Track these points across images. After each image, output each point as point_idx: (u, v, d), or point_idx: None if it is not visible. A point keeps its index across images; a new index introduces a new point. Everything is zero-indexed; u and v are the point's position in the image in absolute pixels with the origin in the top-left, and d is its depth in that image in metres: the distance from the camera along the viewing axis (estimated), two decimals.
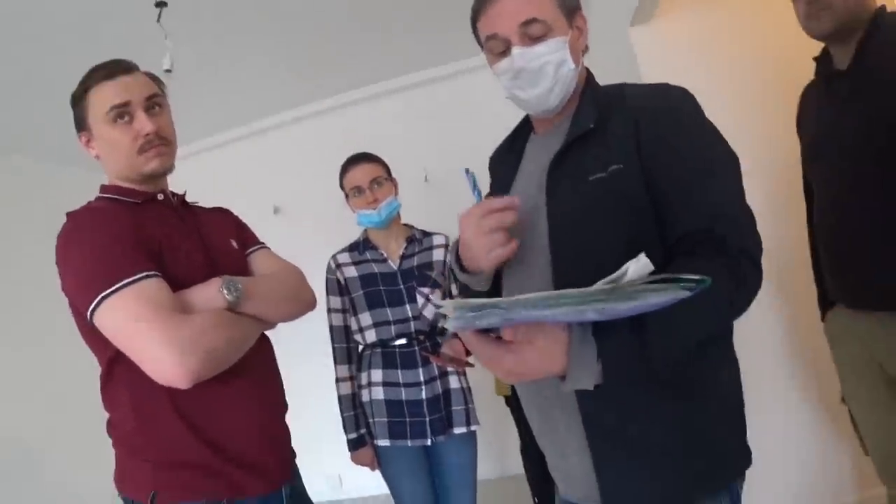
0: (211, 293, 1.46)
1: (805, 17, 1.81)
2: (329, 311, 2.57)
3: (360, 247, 2.63)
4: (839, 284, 1.96)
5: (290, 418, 1.72)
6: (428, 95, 5.15)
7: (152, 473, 1.42)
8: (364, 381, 2.51)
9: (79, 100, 1.57)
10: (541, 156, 1.35)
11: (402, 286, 2.53)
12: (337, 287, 2.58)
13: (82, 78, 1.56)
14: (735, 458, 1.25)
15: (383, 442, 2.44)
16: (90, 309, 1.33)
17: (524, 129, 1.50)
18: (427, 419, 2.43)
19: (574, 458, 1.25)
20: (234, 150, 5.51)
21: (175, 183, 1.71)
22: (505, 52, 1.27)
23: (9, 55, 3.46)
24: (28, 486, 4.14)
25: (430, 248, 2.66)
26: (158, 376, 1.32)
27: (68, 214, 1.47)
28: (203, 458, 1.43)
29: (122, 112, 1.52)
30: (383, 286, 2.53)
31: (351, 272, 2.57)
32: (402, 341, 2.50)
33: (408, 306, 2.50)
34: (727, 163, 1.20)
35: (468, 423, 2.51)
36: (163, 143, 1.58)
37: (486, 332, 1.07)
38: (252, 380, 1.55)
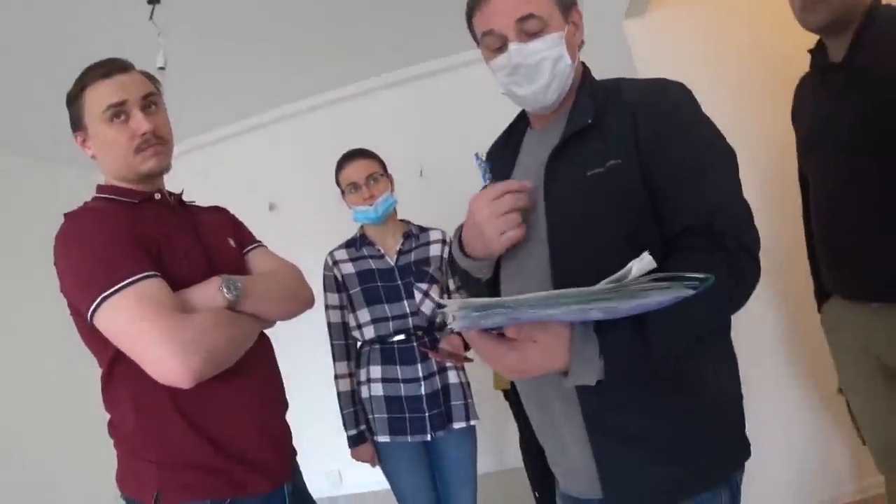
0: (211, 292, 1.46)
1: (800, 9, 1.81)
2: (327, 307, 2.58)
3: (357, 243, 2.63)
4: (835, 276, 1.96)
5: (289, 415, 1.72)
6: (422, 90, 5.13)
7: (156, 474, 1.42)
8: (363, 377, 2.51)
9: (74, 99, 1.56)
10: (538, 151, 1.35)
11: (399, 282, 2.53)
12: (334, 284, 2.58)
13: (78, 77, 1.55)
14: (734, 450, 1.25)
15: (383, 438, 2.44)
16: (91, 309, 1.33)
17: (520, 124, 1.50)
18: (426, 415, 2.44)
19: (575, 452, 1.25)
20: (229, 147, 5.49)
21: (169, 181, 1.71)
22: (501, 48, 1.27)
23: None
24: (27, 487, 4.14)
25: (427, 243, 2.66)
26: (160, 376, 1.32)
27: (66, 215, 1.47)
28: (206, 458, 1.43)
29: (118, 111, 1.51)
30: (381, 282, 2.53)
31: (348, 269, 2.57)
32: (401, 337, 2.50)
33: (406, 302, 2.51)
34: (724, 157, 1.20)
35: (467, 418, 2.52)
36: (159, 142, 1.58)
37: (488, 329, 1.07)
38: (252, 378, 1.55)
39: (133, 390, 1.44)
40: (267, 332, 1.71)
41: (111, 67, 1.53)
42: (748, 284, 1.12)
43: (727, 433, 1.25)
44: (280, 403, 1.69)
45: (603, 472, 1.20)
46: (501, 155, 1.48)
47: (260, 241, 1.84)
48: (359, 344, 2.61)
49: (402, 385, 2.46)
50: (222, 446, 1.45)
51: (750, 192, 1.20)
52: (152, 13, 3.19)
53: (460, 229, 1.37)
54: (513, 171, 1.42)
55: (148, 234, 1.46)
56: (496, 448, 4.57)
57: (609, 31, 3.30)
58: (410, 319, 2.50)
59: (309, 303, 1.79)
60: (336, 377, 2.54)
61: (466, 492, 2.55)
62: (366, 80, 5.13)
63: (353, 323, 2.56)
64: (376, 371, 2.49)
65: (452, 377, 2.55)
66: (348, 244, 2.66)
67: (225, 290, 1.46)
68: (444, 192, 4.55)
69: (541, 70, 1.25)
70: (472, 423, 2.54)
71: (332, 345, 2.58)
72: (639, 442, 1.18)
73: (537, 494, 3.06)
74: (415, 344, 2.50)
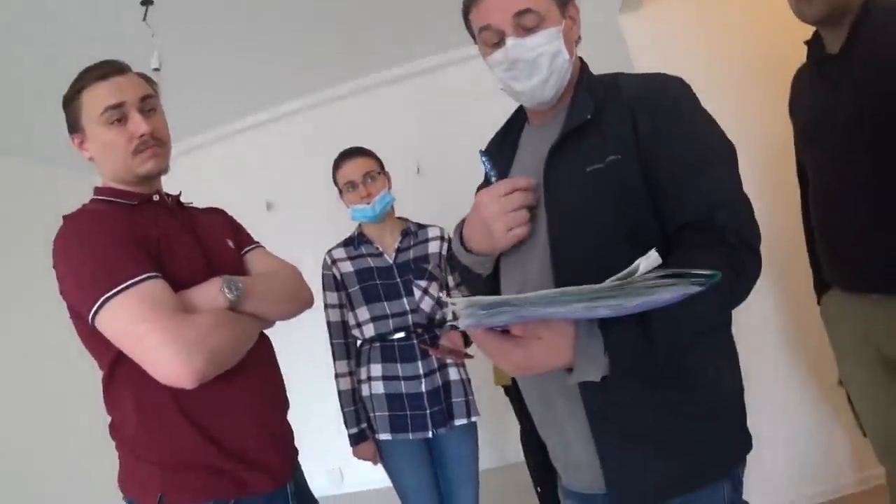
0: (212, 293, 1.46)
1: (797, 1, 1.80)
2: (326, 307, 2.58)
3: (355, 241, 2.63)
4: (835, 268, 1.96)
5: (289, 415, 1.72)
6: (419, 87, 5.13)
7: (159, 475, 1.42)
8: (363, 375, 2.51)
9: (71, 101, 1.55)
10: (537, 147, 1.35)
11: (398, 280, 2.53)
12: (333, 283, 2.58)
13: (74, 79, 1.55)
14: (736, 443, 1.26)
15: (385, 436, 2.44)
16: (92, 311, 1.33)
17: (518, 120, 1.49)
18: (428, 412, 2.44)
19: (577, 447, 1.26)
20: (225, 146, 5.48)
21: (166, 182, 1.71)
22: (498, 43, 1.27)
23: None
24: (29, 491, 4.14)
25: (426, 240, 2.65)
26: (163, 377, 1.32)
27: (65, 217, 1.46)
28: (209, 458, 1.43)
29: (116, 113, 1.50)
30: (380, 280, 2.53)
31: (347, 267, 2.57)
32: (401, 335, 2.50)
33: (405, 300, 2.51)
34: (724, 152, 1.20)
35: (469, 415, 2.52)
36: (158, 143, 1.57)
37: (492, 326, 1.08)
38: (254, 378, 1.55)
39: (135, 392, 1.43)
40: (266, 332, 1.71)
41: (108, 69, 1.53)
42: (749, 278, 1.13)
43: (729, 427, 1.25)
44: (281, 403, 1.69)
45: (606, 467, 1.20)
46: (500, 150, 1.47)
47: (258, 242, 1.84)
48: (359, 342, 2.61)
49: (402, 383, 2.46)
50: (225, 446, 1.45)
51: (748, 185, 1.20)
52: (146, 14, 3.18)
53: (461, 225, 1.37)
54: (511, 167, 1.42)
55: (147, 236, 1.46)
56: (497, 444, 4.58)
57: (604, 27, 3.30)
58: (410, 317, 2.50)
59: (308, 303, 1.79)
60: (336, 376, 2.54)
61: (468, 488, 2.55)
62: (362, 78, 5.13)
63: (352, 321, 2.56)
64: (377, 369, 2.48)
65: (453, 374, 2.55)
66: (346, 243, 2.66)
67: (226, 291, 1.46)
68: (442, 189, 4.56)
69: (538, 65, 1.25)
70: (474, 419, 2.54)
71: (331, 344, 2.58)
72: (641, 437, 1.18)
73: (539, 490, 3.07)
74: (415, 341, 2.49)
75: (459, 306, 0.92)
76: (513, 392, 3.41)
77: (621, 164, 1.18)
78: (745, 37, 3.03)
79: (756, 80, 2.96)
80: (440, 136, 4.92)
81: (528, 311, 0.93)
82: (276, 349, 1.75)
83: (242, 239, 1.81)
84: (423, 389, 2.46)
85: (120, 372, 1.44)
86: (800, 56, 2.00)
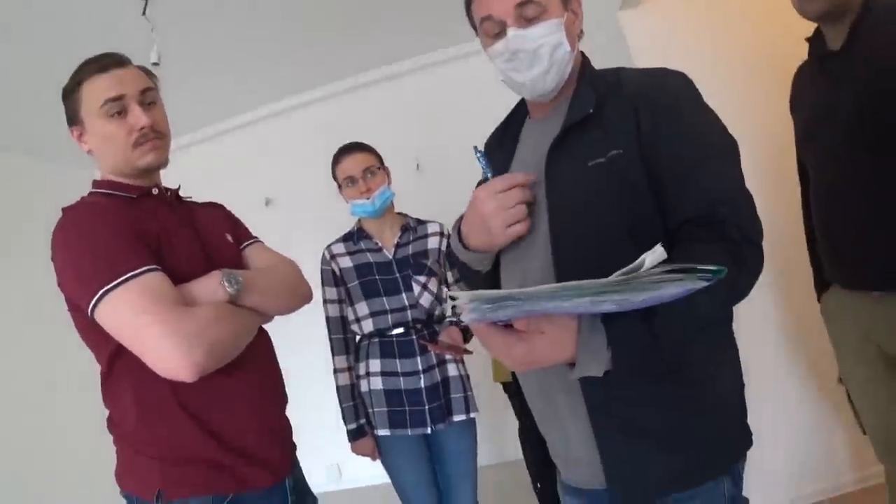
0: (212, 286, 1.45)
1: None
2: (325, 302, 2.57)
3: (355, 237, 2.62)
4: (835, 266, 1.96)
5: (288, 410, 1.72)
6: (418, 83, 5.13)
7: (158, 470, 1.41)
8: (362, 371, 2.51)
9: (71, 93, 1.54)
10: (537, 141, 1.34)
11: (397, 275, 2.52)
12: (332, 278, 2.57)
13: (74, 71, 1.54)
14: (737, 439, 1.26)
15: (383, 431, 2.44)
16: (92, 303, 1.31)
17: (519, 114, 1.49)
18: (426, 407, 2.44)
19: (578, 442, 1.25)
20: (224, 142, 5.48)
21: (164, 177, 1.70)
22: (500, 34, 1.26)
23: None
24: (27, 486, 4.14)
25: (425, 236, 2.65)
26: (164, 370, 1.31)
27: (64, 209, 1.45)
28: (209, 453, 1.42)
29: (116, 105, 1.49)
30: (379, 275, 2.53)
31: (346, 262, 2.56)
32: (400, 330, 2.49)
33: (404, 295, 2.50)
34: (726, 147, 1.20)
35: (467, 411, 2.52)
36: (158, 136, 1.56)
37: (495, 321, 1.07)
38: (253, 372, 1.54)
39: (134, 386, 1.43)
40: (264, 327, 1.70)
41: (108, 62, 1.52)
42: (751, 273, 1.12)
43: (730, 422, 1.25)
44: (280, 397, 1.68)
45: (607, 462, 1.20)
46: (500, 145, 1.47)
47: (256, 237, 1.83)
48: (357, 338, 2.61)
49: (401, 378, 2.46)
50: (225, 441, 1.44)
51: (748, 183, 1.20)
52: (145, 8, 3.17)
53: (459, 221, 1.37)
54: (512, 161, 1.41)
55: (147, 229, 1.45)
56: (495, 441, 4.58)
57: (604, 23, 3.29)
58: (409, 312, 2.50)
59: (307, 298, 1.78)
60: (335, 371, 2.54)
61: (467, 484, 2.55)
62: (361, 75, 5.12)
63: (351, 317, 2.56)
64: (375, 365, 2.48)
65: (452, 370, 2.54)
66: (345, 238, 2.65)
67: (226, 284, 1.45)
68: (441, 185, 4.55)
69: (539, 56, 1.25)
70: (472, 415, 2.54)
71: (330, 339, 2.57)
72: (642, 432, 1.18)
73: (539, 485, 3.07)
74: (414, 337, 2.49)
75: (462, 300, 0.91)
76: (512, 388, 3.41)
77: (623, 159, 1.18)
78: (746, 34, 3.03)
79: (756, 77, 2.96)
80: (439, 132, 4.91)
81: (533, 306, 0.92)
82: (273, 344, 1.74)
83: (241, 234, 1.80)
84: (422, 385, 2.45)
85: (119, 366, 1.43)
86: (801, 53, 2.00)
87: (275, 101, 5.25)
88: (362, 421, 2.48)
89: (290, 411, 1.71)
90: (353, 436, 2.47)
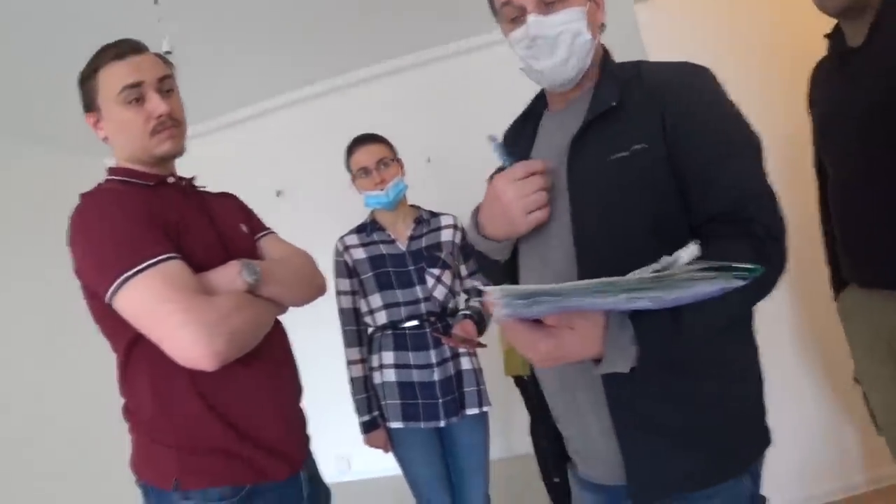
0: (231, 275, 1.45)
1: None
2: (338, 293, 2.57)
3: (368, 228, 2.62)
4: (852, 264, 1.95)
5: None
6: (429, 75, 5.11)
7: (175, 459, 1.41)
8: (375, 363, 2.51)
9: (87, 79, 1.53)
10: (557, 134, 1.33)
11: (411, 267, 2.52)
12: (345, 269, 2.57)
13: (91, 57, 1.53)
14: (757, 438, 1.25)
15: (396, 424, 2.44)
16: (111, 290, 1.31)
17: (537, 107, 1.47)
18: (440, 401, 2.44)
19: (598, 438, 1.25)
20: (235, 133, 5.47)
21: (177, 166, 1.69)
22: (519, 19, 1.25)
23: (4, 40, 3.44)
24: (41, 474, 4.16)
25: (439, 228, 2.64)
26: (184, 359, 1.30)
27: (83, 195, 1.45)
28: (226, 443, 1.42)
29: (134, 93, 1.49)
30: (392, 268, 2.52)
31: (359, 254, 2.56)
32: (413, 323, 2.49)
33: (418, 288, 2.50)
34: (751, 144, 1.19)
35: (480, 404, 2.52)
36: (175, 125, 1.56)
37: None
38: (270, 363, 1.54)
39: (152, 374, 1.42)
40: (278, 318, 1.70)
41: (125, 48, 1.51)
42: (776, 271, 1.11)
43: (750, 421, 1.24)
44: (296, 389, 1.68)
45: (627, 459, 1.19)
46: (520, 136, 1.46)
47: (270, 228, 1.83)
48: (370, 330, 2.60)
49: (414, 371, 2.46)
50: (242, 431, 1.44)
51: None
52: None
53: (476, 211, 1.36)
54: (531, 152, 1.40)
55: (166, 217, 1.44)
56: (504, 434, 4.57)
57: (618, 17, 3.26)
58: (422, 305, 2.49)
59: (322, 289, 1.78)
60: (348, 363, 2.54)
61: (479, 478, 2.55)
62: (372, 66, 5.11)
63: (364, 308, 2.56)
64: (388, 357, 2.48)
65: (465, 363, 2.54)
66: (359, 229, 2.64)
67: (245, 274, 1.45)
68: (452, 177, 4.55)
69: (559, 43, 1.23)
70: (485, 409, 2.54)
71: (343, 331, 2.57)
72: (663, 430, 1.17)
73: (557, 480, 3.07)
74: (427, 330, 2.49)
75: (495, 296, 0.90)
76: (524, 383, 3.41)
77: (647, 153, 1.16)
78: (763, 28, 3.00)
79: (773, 73, 2.93)
80: (451, 125, 4.90)
81: (568, 302, 0.91)
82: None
83: (255, 224, 1.80)
84: (436, 378, 2.45)
85: (136, 354, 1.43)
86: (818, 48, 1.97)
87: (285, 92, 5.24)
88: (375, 413, 2.48)
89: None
90: (366, 428, 2.47)
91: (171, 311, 1.28)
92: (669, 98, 1.18)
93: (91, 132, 1.59)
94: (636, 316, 1.03)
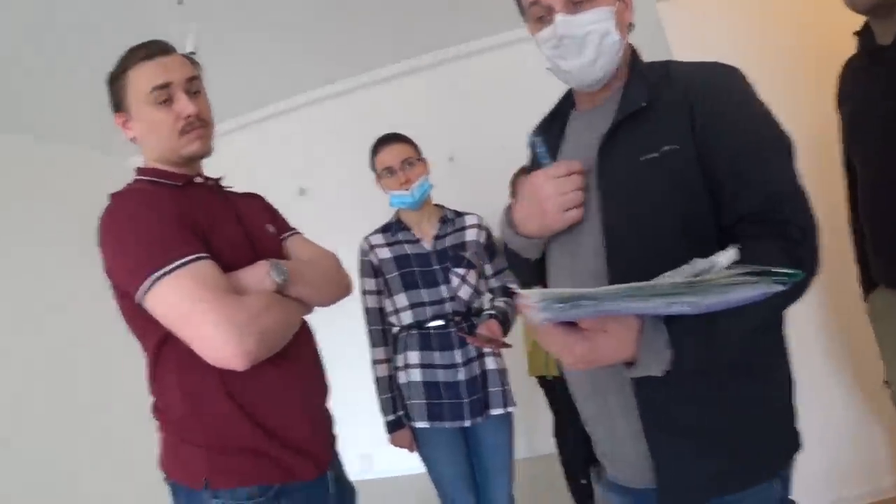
0: (260, 275, 1.46)
1: None
2: (363, 293, 2.57)
3: (393, 228, 2.62)
4: (882, 265, 1.92)
5: None
6: (452, 73, 5.12)
7: (205, 459, 1.41)
8: (401, 363, 2.51)
9: (117, 80, 1.54)
10: (585, 134, 1.32)
11: (436, 267, 2.52)
12: (371, 269, 2.58)
13: (120, 58, 1.54)
14: (787, 442, 1.24)
15: (421, 424, 2.44)
16: (142, 289, 1.32)
17: (564, 106, 1.46)
18: (465, 401, 2.43)
19: (627, 441, 1.24)
20: (258, 131, 5.50)
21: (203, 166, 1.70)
22: (545, 18, 1.25)
23: (30, 41, 3.48)
24: (70, 472, 4.20)
25: (463, 228, 2.63)
26: (215, 358, 1.32)
27: (113, 195, 1.46)
28: (255, 442, 1.43)
29: (163, 93, 1.50)
30: (417, 267, 2.52)
31: (384, 253, 2.56)
32: (438, 323, 2.49)
33: (443, 287, 2.50)
34: (782, 143, 1.18)
35: (505, 404, 2.51)
36: (203, 125, 1.57)
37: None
38: (298, 363, 1.55)
39: (181, 374, 1.43)
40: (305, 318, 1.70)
41: (153, 49, 1.52)
42: (809, 273, 1.10)
43: (781, 425, 1.23)
44: (324, 389, 1.68)
45: (657, 462, 1.18)
46: (548, 135, 1.44)
47: (295, 229, 1.84)
48: (395, 329, 2.60)
49: (439, 371, 2.45)
50: (270, 431, 1.44)
51: None
52: None
53: (509, 208, 1.36)
54: (558, 153, 1.39)
55: (194, 217, 1.45)
56: (526, 434, 4.57)
57: (641, 15, 3.24)
58: (448, 305, 2.49)
59: (349, 289, 1.80)
60: (373, 363, 2.55)
61: (503, 478, 2.54)
62: (395, 65, 5.12)
63: (389, 308, 2.56)
64: (414, 357, 2.48)
65: (490, 363, 2.53)
66: (384, 229, 2.65)
67: (274, 274, 1.46)
68: (474, 177, 4.54)
69: (587, 43, 1.22)
70: (510, 409, 2.53)
71: (368, 330, 2.58)
72: (693, 433, 1.16)
73: (584, 482, 3.07)
74: (452, 330, 2.48)
75: (533, 299, 0.90)
76: (548, 383, 3.41)
77: (677, 154, 1.16)
78: (788, 26, 2.97)
79: (799, 70, 2.90)
80: (473, 124, 4.89)
81: (608, 306, 0.91)
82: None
83: (281, 224, 1.80)
84: (461, 378, 2.45)
85: (166, 353, 1.44)
86: (847, 46, 1.95)
87: (308, 90, 5.27)
88: (400, 412, 2.48)
89: None
90: (391, 427, 2.48)
91: (202, 310, 1.29)
92: (699, 98, 1.17)
93: (117, 132, 1.61)
94: (671, 320, 1.02)
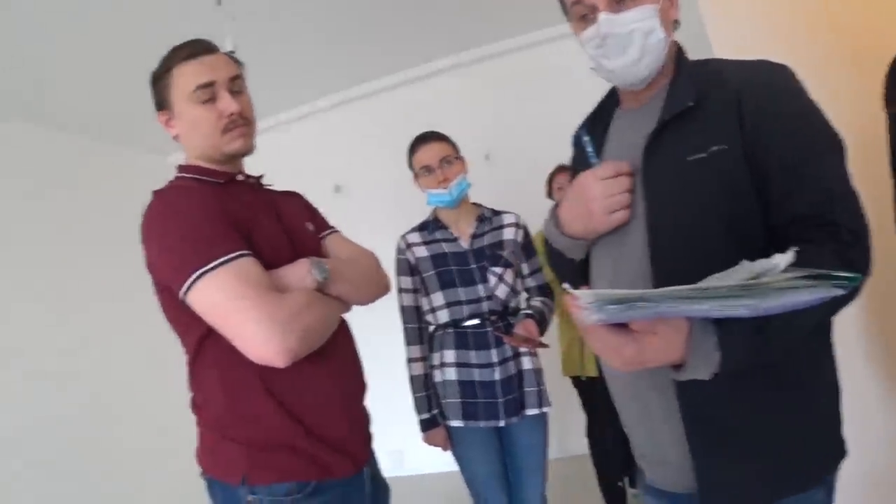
0: (301, 273, 1.46)
1: None
2: (400, 291, 2.57)
3: (430, 226, 2.62)
4: None
5: None
6: (487, 72, 5.11)
7: (244, 454, 1.43)
8: (436, 361, 2.51)
9: (160, 78, 1.56)
10: (629, 133, 1.31)
11: (473, 266, 2.50)
12: (408, 267, 2.58)
13: (164, 57, 1.56)
14: (832, 449, 1.21)
15: (456, 423, 2.43)
16: (186, 285, 1.33)
17: (609, 103, 1.45)
18: (500, 400, 2.42)
19: (668, 445, 1.23)
20: (295, 129, 5.54)
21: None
22: (588, 17, 1.23)
23: (76, 43, 3.54)
24: (106, 465, 4.27)
25: (501, 227, 2.62)
26: (256, 355, 1.33)
27: (156, 192, 1.48)
28: (294, 439, 1.44)
29: (207, 92, 1.51)
30: (455, 266, 2.51)
31: (422, 252, 2.56)
32: (475, 322, 2.48)
33: (480, 286, 2.48)
34: (834, 144, 1.15)
35: (540, 405, 2.49)
36: (245, 123, 1.59)
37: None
38: (337, 361, 1.56)
39: (222, 370, 1.44)
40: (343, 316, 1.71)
41: (197, 48, 1.54)
42: (861, 276, 1.07)
43: (826, 431, 1.21)
44: (361, 386, 1.69)
45: (699, 467, 1.16)
46: (591, 134, 1.43)
47: (334, 227, 1.84)
48: (431, 328, 2.60)
49: (475, 370, 2.44)
50: (308, 428, 1.45)
51: None
52: None
53: (556, 207, 1.35)
54: (603, 151, 1.38)
55: (237, 215, 1.47)
56: (558, 435, 4.54)
57: (683, 13, 3.20)
58: (484, 304, 2.48)
59: (387, 288, 1.80)
60: (408, 361, 2.55)
61: (537, 478, 2.52)
62: (430, 63, 5.13)
63: (426, 307, 2.56)
64: (450, 355, 2.47)
65: (526, 363, 2.51)
66: (421, 227, 2.65)
67: (315, 272, 1.47)
68: (510, 175, 4.53)
69: (631, 42, 1.21)
70: (545, 409, 2.51)
71: (405, 328, 2.58)
72: (737, 438, 1.14)
73: (620, 484, 3.05)
74: (489, 329, 2.47)
75: (586, 300, 0.89)
76: (582, 384, 3.39)
77: (726, 155, 1.14)
78: (833, 21, 2.89)
79: (844, 67, 2.83)
80: (509, 122, 4.87)
81: (664, 308, 0.89)
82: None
83: (319, 223, 1.81)
84: (497, 378, 2.43)
85: (206, 349, 1.45)
86: (893, 43, 1.90)
87: (344, 89, 5.29)
88: (435, 411, 2.48)
89: None
90: (426, 426, 2.47)
91: (244, 307, 1.30)
92: (749, 97, 1.15)
93: (160, 130, 1.63)
94: (720, 322, 1.00)
